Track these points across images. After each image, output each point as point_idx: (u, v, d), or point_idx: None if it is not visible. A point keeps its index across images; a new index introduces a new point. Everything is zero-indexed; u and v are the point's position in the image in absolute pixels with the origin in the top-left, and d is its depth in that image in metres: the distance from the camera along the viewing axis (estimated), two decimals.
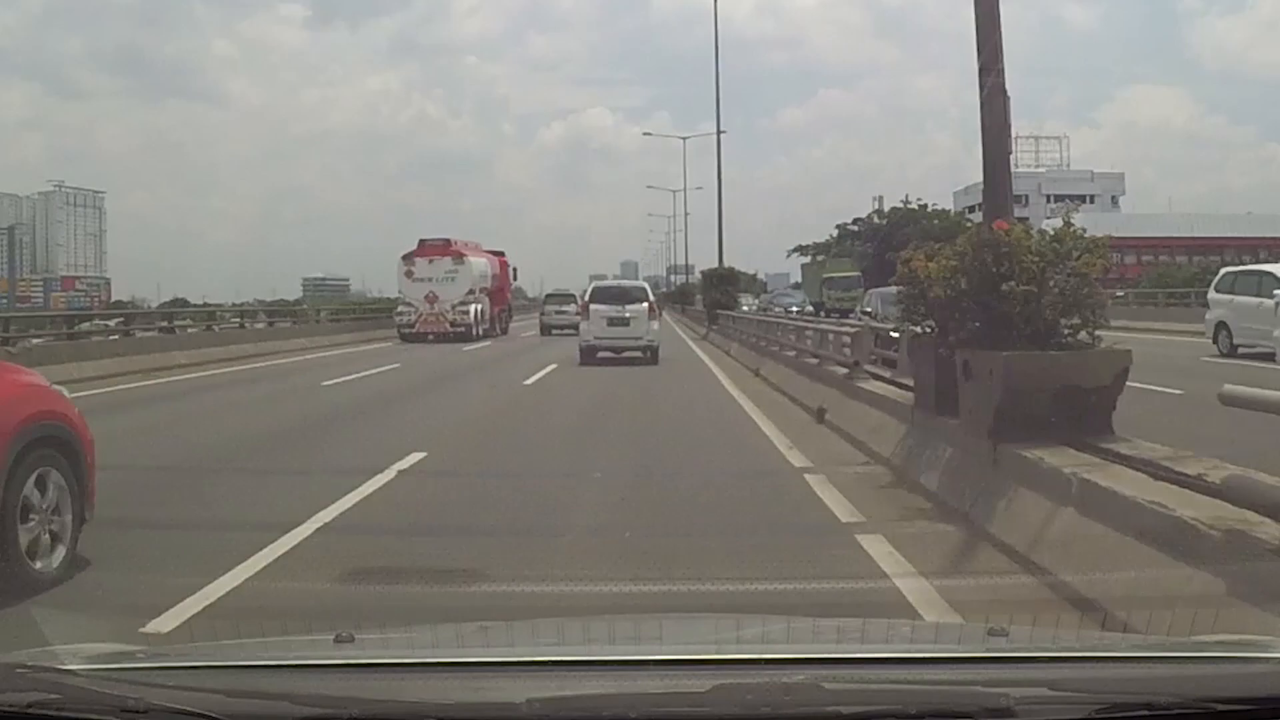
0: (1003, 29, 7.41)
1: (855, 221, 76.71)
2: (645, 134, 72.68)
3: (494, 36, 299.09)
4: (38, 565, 4.86)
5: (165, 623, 4.20)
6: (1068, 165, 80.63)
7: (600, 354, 20.39)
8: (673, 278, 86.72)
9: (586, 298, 22.32)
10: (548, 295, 43.82)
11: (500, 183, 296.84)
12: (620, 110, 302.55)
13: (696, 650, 1.96)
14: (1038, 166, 78.62)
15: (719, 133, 39.06)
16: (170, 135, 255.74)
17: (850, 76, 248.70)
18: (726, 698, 1.55)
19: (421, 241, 33.72)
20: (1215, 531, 3.90)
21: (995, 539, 5.42)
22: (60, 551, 5.03)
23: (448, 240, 33.98)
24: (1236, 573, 3.74)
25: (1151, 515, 4.27)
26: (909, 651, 2.09)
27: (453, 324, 31.69)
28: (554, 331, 34.44)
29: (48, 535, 4.98)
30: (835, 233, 77.48)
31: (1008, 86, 7.48)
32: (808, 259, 73.83)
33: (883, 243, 57.05)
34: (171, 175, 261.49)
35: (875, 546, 5.53)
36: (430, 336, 31.20)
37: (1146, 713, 1.52)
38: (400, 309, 33.22)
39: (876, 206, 77.36)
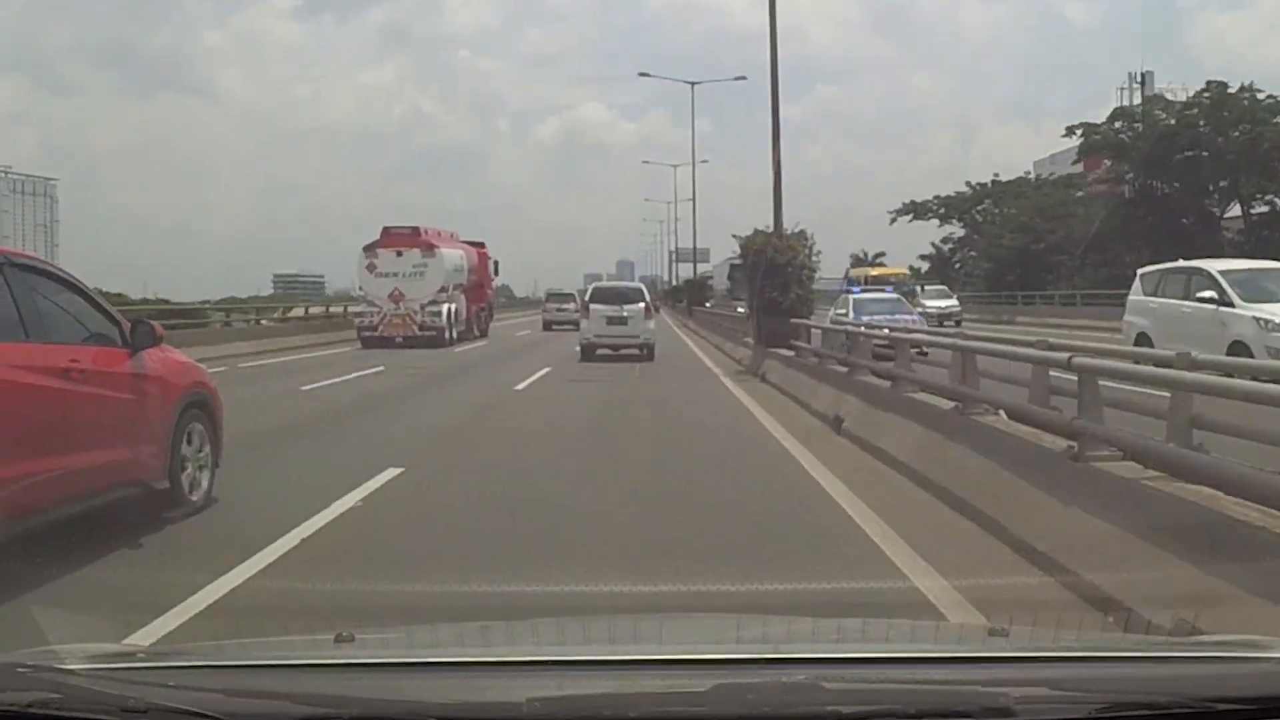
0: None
1: (1084, 130, 40.71)
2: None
3: (488, 30, 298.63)
4: (191, 496, 6.47)
5: None
6: None
7: (599, 350, 21.21)
8: (675, 268, 70.44)
9: (587, 298, 23.22)
10: (548, 294, 45.77)
11: (495, 180, 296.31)
12: (616, 107, 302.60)
13: (697, 650, 1.96)
14: None
15: None
16: (157, 130, 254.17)
17: (847, 72, 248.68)
18: (727, 697, 1.55)
19: (386, 230, 28.23)
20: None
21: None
22: (203, 488, 6.63)
23: (416, 229, 28.58)
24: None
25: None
26: (909, 651, 2.09)
27: (421, 326, 26.79)
28: (554, 327, 34.81)
29: (196, 474, 6.57)
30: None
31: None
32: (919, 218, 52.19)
33: (1167, 157, 31.81)
34: (157, 170, 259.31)
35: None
36: (398, 339, 26.12)
37: (1147, 713, 1.52)
38: (361, 309, 28.13)
39: (1142, 93, 42.27)
